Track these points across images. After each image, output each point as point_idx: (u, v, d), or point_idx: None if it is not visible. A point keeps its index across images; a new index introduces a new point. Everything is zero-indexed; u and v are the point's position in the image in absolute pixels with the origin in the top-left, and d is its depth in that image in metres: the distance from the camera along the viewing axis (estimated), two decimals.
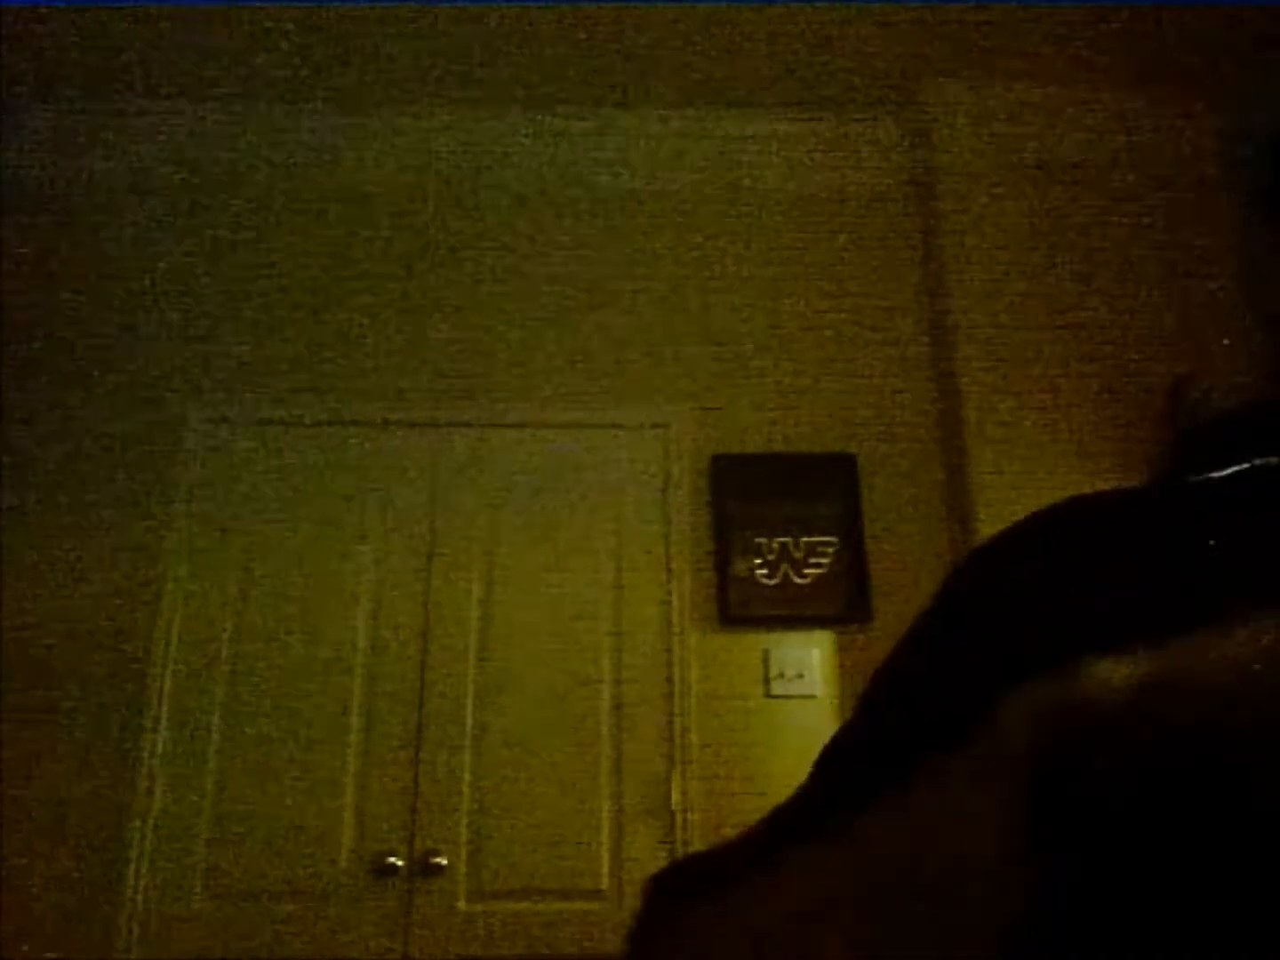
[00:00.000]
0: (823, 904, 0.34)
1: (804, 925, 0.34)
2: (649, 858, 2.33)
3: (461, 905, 2.31)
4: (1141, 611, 0.37)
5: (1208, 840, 0.26)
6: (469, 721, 2.43)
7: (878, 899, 0.32)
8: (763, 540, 2.56)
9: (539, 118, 2.86)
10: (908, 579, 2.50)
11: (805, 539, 2.57)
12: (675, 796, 2.38)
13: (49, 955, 2.21)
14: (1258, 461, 0.46)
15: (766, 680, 2.47)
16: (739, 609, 2.52)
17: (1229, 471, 0.46)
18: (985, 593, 0.47)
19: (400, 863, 2.32)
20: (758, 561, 2.55)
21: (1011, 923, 0.29)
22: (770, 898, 0.38)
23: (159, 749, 2.38)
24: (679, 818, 2.36)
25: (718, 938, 0.39)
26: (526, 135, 2.89)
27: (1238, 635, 0.27)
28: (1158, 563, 0.42)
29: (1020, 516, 0.50)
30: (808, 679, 2.46)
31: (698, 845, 2.33)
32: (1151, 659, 0.28)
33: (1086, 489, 0.51)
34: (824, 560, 2.56)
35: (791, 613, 2.51)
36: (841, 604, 2.52)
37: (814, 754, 0.51)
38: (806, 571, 2.55)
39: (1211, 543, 0.42)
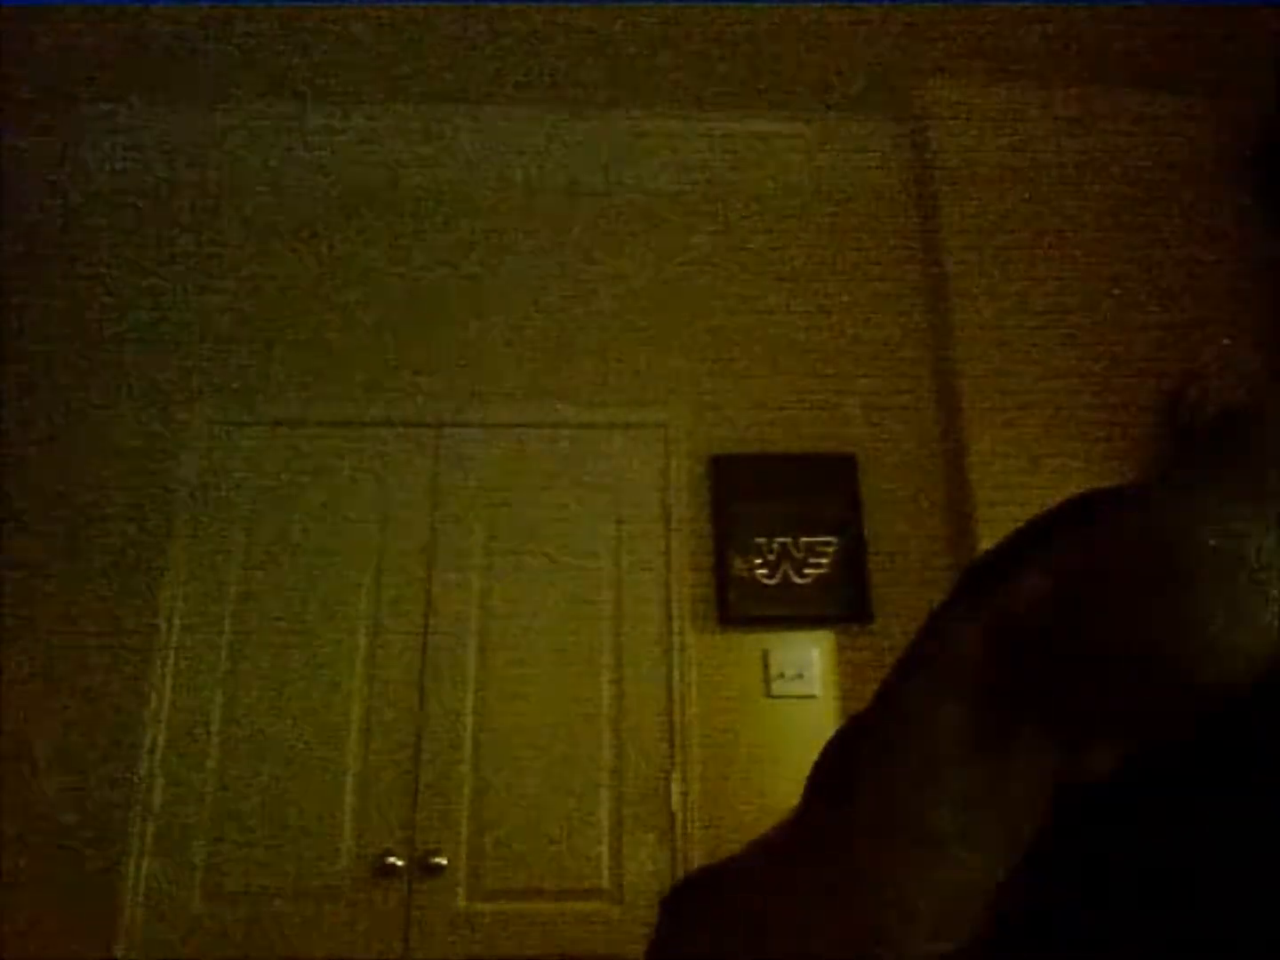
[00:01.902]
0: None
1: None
2: (649, 857, 2.33)
3: (461, 905, 2.31)
4: None
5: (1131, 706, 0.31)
6: (469, 721, 2.43)
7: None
8: (763, 540, 2.56)
9: (538, 118, 2.87)
10: (908, 579, 2.50)
11: (805, 539, 2.57)
12: (675, 796, 2.38)
13: (49, 955, 2.21)
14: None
15: (766, 680, 2.47)
16: (739, 609, 2.52)
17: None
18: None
19: (400, 863, 2.32)
20: (758, 561, 2.55)
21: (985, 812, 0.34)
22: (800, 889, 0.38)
23: (159, 749, 2.38)
24: (679, 818, 2.36)
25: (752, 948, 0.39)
26: (526, 135, 2.89)
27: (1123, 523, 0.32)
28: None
29: (1019, 516, 0.50)
30: (808, 679, 2.46)
31: (697, 845, 2.33)
32: (1056, 565, 0.33)
33: (1086, 489, 0.51)
34: (824, 560, 2.56)
35: (791, 613, 2.51)
36: (841, 604, 2.52)
37: (814, 754, 0.51)
38: (806, 571, 2.54)
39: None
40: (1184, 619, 0.29)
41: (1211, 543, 0.30)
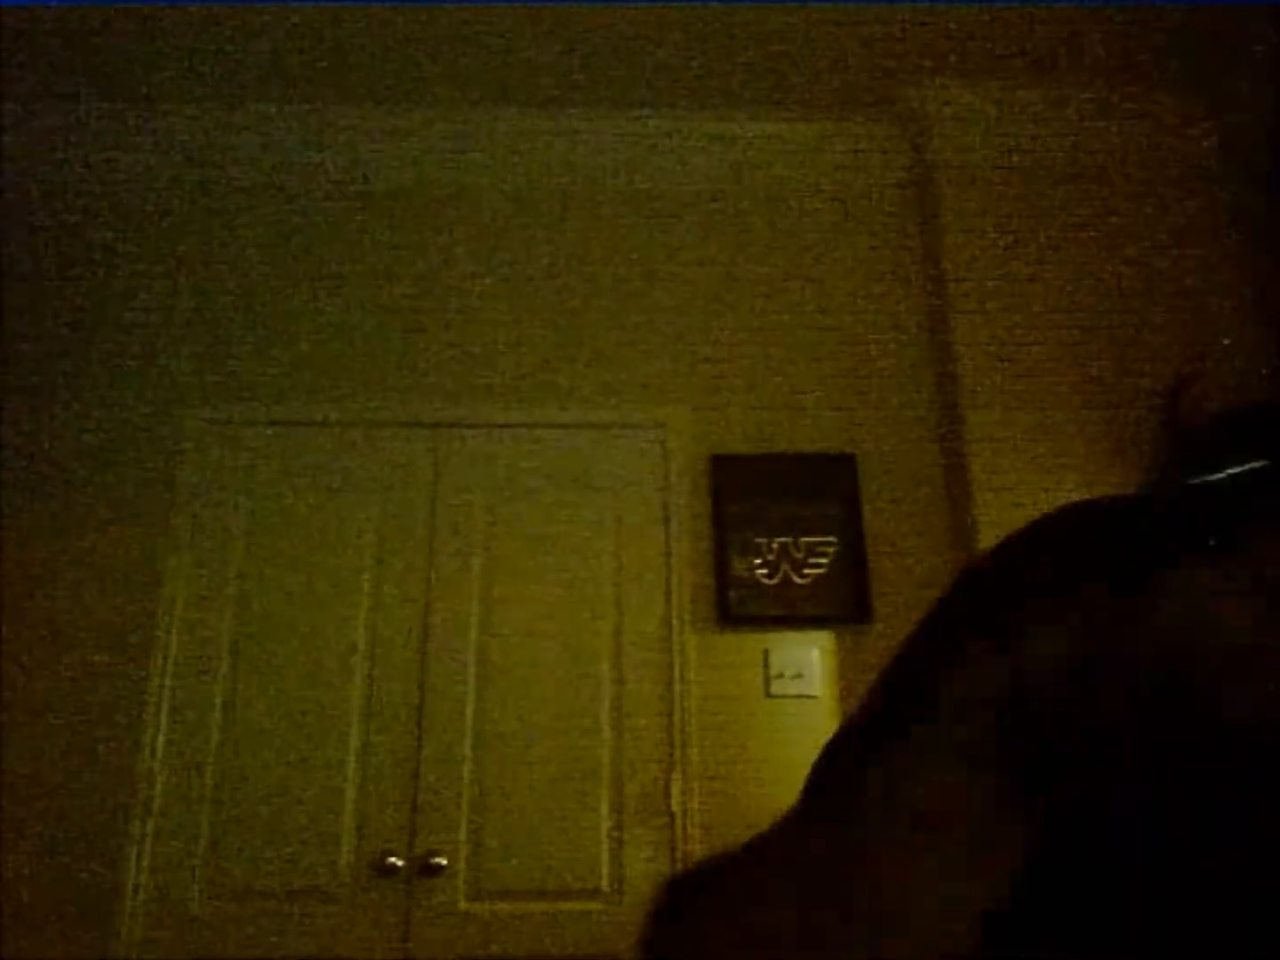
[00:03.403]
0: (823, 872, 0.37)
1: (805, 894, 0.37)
2: (649, 858, 2.33)
3: (461, 905, 2.31)
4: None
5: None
6: (469, 721, 2.43)
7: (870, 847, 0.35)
8: (763, 540, 2.56)
9: (539, 118, 2.86)
10: (908, 579, 2.50)
11: (805, 539, 2.57)
12: (675, 796, 2.38)
13: (49, 955, 2.21)
14: (1257, 464, 0.46)
15: (766, 680, 2.47)
16: (739, 609, 2.52)
17: (1227, 474, 0.46)
18: (978, 599, 0.47)
19: (400, 863, 2.32)
20: (758, 561, 2.55)
21: (996, 861, 0.34)
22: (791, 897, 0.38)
23: (159, 749, 2.38)
24: (679, 818, 2.36)
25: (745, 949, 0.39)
26: (526, 135, 2.89)
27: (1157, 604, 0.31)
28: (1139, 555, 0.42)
29: (1019, 516, 0.50)
30: (807, 679, 2.46)
31: (697, 845, 2.33)
32: (1072, 631, 0.32)
33: (1085, 489, 0.51)
34: (824, 560, 2.56)
35: (791, 613, 2.51)
36: (841, 604, 2.52)
37: (814, 754, 0.51)
38: (806, 571, 2.55)
39: (1211, 543, 0.42)
40: (1205, 716, 0.29)
41: (1237, 642, 0.29)
